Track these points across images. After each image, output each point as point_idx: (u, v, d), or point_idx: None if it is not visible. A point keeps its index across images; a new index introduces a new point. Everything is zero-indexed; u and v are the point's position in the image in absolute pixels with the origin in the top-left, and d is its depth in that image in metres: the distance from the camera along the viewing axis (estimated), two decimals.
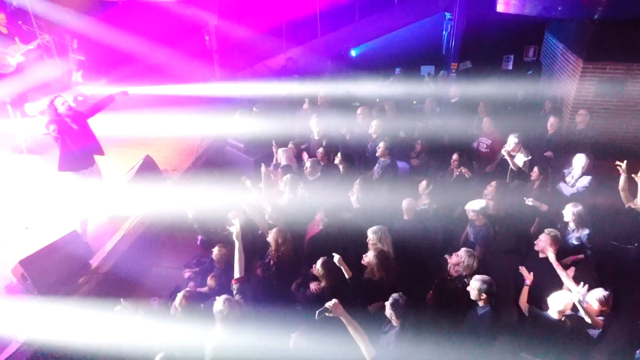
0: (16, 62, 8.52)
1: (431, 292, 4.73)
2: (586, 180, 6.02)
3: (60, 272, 5.37)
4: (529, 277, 4.55)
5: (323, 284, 4.50)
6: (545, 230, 4.85)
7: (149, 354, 3.82)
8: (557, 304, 4.14)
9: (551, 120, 7.29)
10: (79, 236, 5.79)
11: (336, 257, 4.34)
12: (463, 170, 6.19)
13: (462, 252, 4.57)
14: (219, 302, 3.96)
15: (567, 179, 6.24)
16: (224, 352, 3.85)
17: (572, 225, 5.24)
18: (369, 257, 4.56)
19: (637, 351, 4.07)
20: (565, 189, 6.19)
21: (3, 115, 8.05)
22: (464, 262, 4.50)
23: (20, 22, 8.79)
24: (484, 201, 5.36)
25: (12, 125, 7.98)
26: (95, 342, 4.31)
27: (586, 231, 5.17)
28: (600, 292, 4.17)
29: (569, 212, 5.21)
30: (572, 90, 8.43)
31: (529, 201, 5.62)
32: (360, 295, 4.50)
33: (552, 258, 4.63)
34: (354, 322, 3.67)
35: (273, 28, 11.39)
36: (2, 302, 5.06)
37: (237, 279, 4.43)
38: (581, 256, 5.14)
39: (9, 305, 4.98)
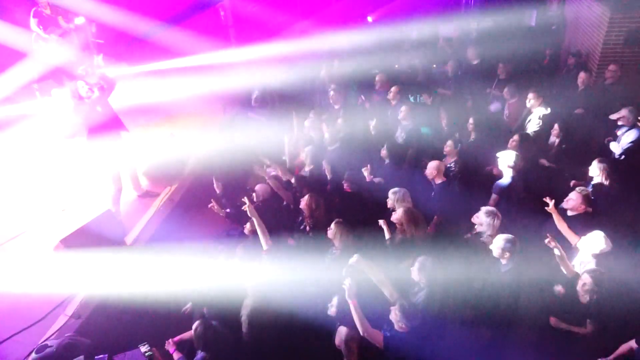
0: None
1: None
2: (631, 135, 5.70)
3: (98, 249, 5.62)
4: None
5: (336, 244, 4.59)
6: (577, 189, 4.80)
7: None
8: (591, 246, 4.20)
9: (582, 75, 7.07)
10: (113, 215, 6.01)
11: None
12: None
13: (481, 211, 4.61)
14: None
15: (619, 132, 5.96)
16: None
17: (597, 181, 5.11)
18: (398, 214, 4.64)
19: None
20: (615, 148, 5.95)
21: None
22: (480, 220, 4.57)
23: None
24: (513, 153, 5.33)
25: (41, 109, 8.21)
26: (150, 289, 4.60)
27: None
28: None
29: (595, 168, 5.11)
30: (598, 43, 8.12)
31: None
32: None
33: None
34: (375, 271, 3.91)
35: None
36: (60, 260, 5.28)
37: (266, 251, 4.58)
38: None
39: (67, 263, 5.20)
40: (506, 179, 5.31)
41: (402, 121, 6.67)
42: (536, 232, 4.64)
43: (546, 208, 4.60)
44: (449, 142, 5.95)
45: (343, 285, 3.69)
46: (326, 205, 5.16)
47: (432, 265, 3.87)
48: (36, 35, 8.55)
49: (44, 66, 8.81)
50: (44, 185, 7.13)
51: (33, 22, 8.52)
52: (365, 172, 5.61)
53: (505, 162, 5.30)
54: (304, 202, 5.06)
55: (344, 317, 3.88)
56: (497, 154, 5.40)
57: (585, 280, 3.98)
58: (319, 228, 5.01)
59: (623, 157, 5.81)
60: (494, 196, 5.27)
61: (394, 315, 3.61)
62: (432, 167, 5.44)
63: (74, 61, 9.44)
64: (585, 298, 3.99)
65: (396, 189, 5.00)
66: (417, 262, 3.93)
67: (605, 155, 5.71)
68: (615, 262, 4.19)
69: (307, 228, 5.11)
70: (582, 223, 4.70)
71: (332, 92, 7.57)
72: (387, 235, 4.66)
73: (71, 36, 9.12)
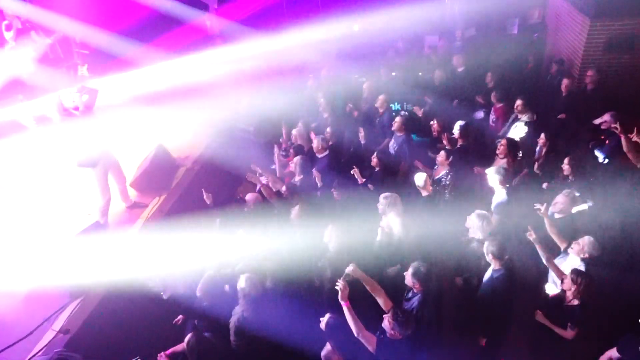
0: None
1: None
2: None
3: None
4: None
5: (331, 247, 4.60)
6: (564, 192, 4.87)
7: None
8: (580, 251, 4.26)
9: (565, 81, 7.25)
10: (101, 226, 5.92)
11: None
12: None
13: (473, 215, 4.62)
14: (242, 280, 4.11)
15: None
16: None
17: (570, 179, 5.30)
18: (388, 219, 4.65)
19: None
20: (599, 152, 6.07)
21: None
22: (472, 222, 4.59)
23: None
24: (502, 168, 5.37)
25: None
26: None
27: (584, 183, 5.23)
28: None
29: (566, 167, 5.30)
30: (579, 49, 8.30)
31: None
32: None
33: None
34: (369, 279, 3.93)
35: (273, 6, 11.30)
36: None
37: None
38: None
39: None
40: (502, 195, 5.21)
41: (396, 132, 6.69)
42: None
43: (539, 213, 4.61)
44: (442, 153, 5.96)
45: (336, 286, 3.70)
46: (317, 214, 5.14)
47: (426, 270, 3.88)
48: (9, 47, 8.46)
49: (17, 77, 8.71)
50: (31, 196, 6.98)
51: (6, 34, 8.42)
52: (356, 174, 5.63)
53: (495, 179, 5.25)
54: (294, 212, 5.05)
55: (334, 333, 3.89)
56: (486, 171, 5.39)
57: (566, 279, 4.05)
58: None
59: (607, 161, 5.94)
60: (496, 217, 5.13)
61: (387, 324, 3.62)
62: (419, 179, 5.46)
63: (53, 73, 9.36)
64: (569, 297, 4.04)
65: (387, 193, 5.01)
66: (412, 267, 3.94)
67: (590, 160, 5.82)
68: (603, 267, 4.26)
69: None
70: (570, 225, 4.78)
71: (321, 100, 7.60)
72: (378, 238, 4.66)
73: (46, 49, 9.03)
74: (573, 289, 3.94)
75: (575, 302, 4.00)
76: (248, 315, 4.06)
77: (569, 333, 4.03)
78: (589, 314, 3.98)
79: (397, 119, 6.57)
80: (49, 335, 4.77)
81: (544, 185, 5.58)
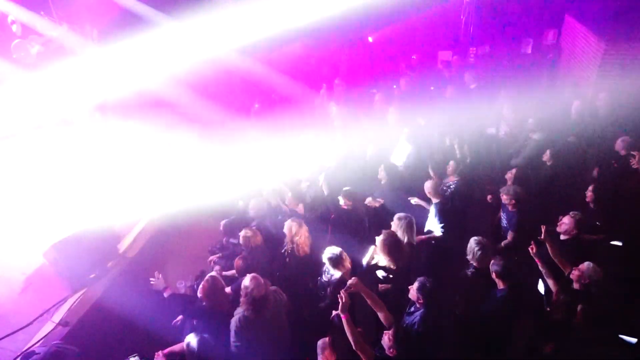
0: (36, 52, 8.66)
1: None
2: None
3: (90, 256, 5.54)
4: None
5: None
6: (570, 213, 4.80)
7: None
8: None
9: (575, 104, 7.20)
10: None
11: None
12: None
13: (471, 241, 4.48)
14: (247, 279, 4.08)
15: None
16: None
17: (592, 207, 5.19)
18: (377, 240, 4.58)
19: None
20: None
21: None
22: (472, 250, 4.44)
23: (42, 12, 8.90)
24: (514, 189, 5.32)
25: None
26: None
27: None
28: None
29: (590, 194, 5.20)
30: (593, 73, 8.28)
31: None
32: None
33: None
34: (371, 294, 3.89)
35: None
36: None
37: None
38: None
39: None
40: (514, 211, 5.18)
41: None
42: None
43: (539, 238, 4.53)
44: (451, 162, 5.95)
45: (338, 297, 3.68)
46: (312, 229, 5.00)
47: (431, 286, 3.85)
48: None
49: None
50: (44, 185, 6.98)
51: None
52: (370, 199, 5.61)
53: (507, 193, 5.19)
54: (286, 224, 4.94)
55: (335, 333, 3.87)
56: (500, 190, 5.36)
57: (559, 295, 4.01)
58: (297, 256, 4.86)
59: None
60: (512, 234, 5.12)
61: (387, 341, 3.57)
62: (427, 186, 5.43)
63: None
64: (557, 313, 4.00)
65: (402, 214, 4.83)
66: (418, 281, 3.90)
67: (597, 181, 5.79)
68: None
69: (286, 252, 4.95)
70: (574, 248, 4.72)
71: (333, 109, 7.63)
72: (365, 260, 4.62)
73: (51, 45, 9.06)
74: (554, 301, 3.95)
75: (557, 316, 3.97)
76: (250, 316, 4.03)
77: (547, 347, 3.98)
78: (568, 331, 3.90)
79: (405, 130, 6.56)
80: (48, 327, 4.78)
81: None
